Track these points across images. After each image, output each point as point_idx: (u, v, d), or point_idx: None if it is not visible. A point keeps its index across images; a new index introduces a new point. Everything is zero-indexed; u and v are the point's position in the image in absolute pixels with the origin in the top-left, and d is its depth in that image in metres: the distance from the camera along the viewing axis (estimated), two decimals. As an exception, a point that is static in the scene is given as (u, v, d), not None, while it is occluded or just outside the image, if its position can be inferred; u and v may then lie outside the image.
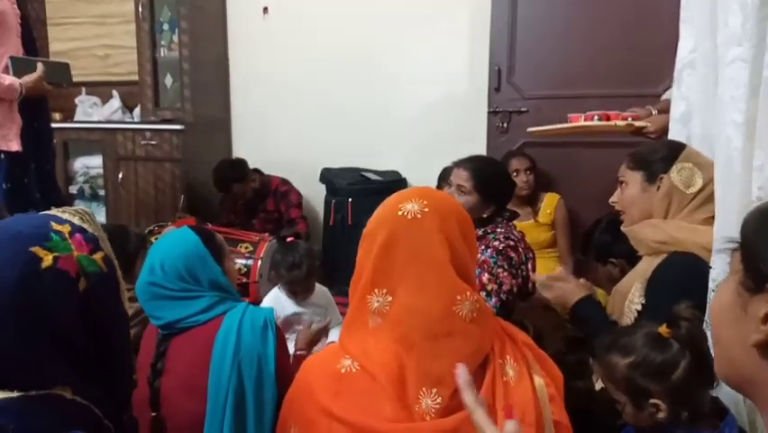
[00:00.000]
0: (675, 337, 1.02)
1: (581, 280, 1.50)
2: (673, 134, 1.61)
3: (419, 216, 0.94)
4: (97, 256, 0.77)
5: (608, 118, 1.93)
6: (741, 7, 1.08)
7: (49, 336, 0.71)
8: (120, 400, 0.84)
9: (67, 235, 0.75)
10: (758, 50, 1.04)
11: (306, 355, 1.58)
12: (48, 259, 0.71)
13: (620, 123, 1.90)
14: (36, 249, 0.71)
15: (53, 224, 0.76)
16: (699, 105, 1.50)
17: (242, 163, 3.27)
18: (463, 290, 0.93)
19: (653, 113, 2.04)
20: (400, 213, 0.95)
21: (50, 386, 0.71)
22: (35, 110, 2.27)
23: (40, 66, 2.16)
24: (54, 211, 0.80)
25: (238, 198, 3.24)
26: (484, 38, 3.14)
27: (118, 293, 0.82)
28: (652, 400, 1.01)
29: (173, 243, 1.38)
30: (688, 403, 1.00)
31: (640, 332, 1.07)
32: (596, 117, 1.94)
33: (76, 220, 0.79)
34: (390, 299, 0.94)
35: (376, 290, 0.95)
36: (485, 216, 1.82)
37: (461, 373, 0.83)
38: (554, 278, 1.49)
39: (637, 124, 1.89)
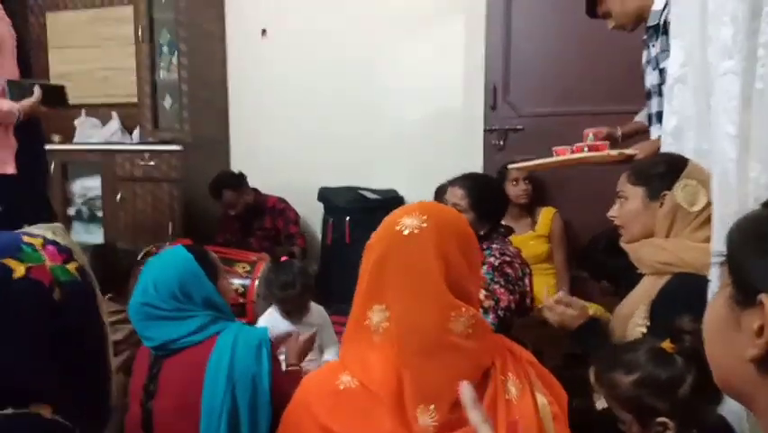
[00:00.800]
0: (679, 352, 0.99)
1: (593, 308, 1.46)
2: (665, 149, 1.59)
3: (416, 231, 0.94)
4: (71, 266, 0.77)
5: (597, 149, 1.92)
6: (732, 20, 1.08)
7: (25, 349, 0.71)
8: (100, 415, 0.83)
9: (39, 247, 0.76)
10: (749, 62, 1.04)
11: (298, 369, 1.56)
12: (20, 270, 0.71)
13: (613, 152, 1.89)
14: (7, 260, 0.71)
15: (25, 237, 0.76)
16: (691, 119, 1.49)
17: (240, 174, 3.28)
18: (457, 307, 0.91)
19: (618, 133, 2.08)
20: (397, 228, 0.95)
21: (27, 403, 0.70)
22: (29, 131, 2.27)
23: (37, 90, 2.16)
24: (25, 228, 0.81)
25: (229, 206, 3.20)
26: (480, 56, 3.16)
27: (95, 303, 0.81)
28: (659, 419, 0.97)
29: (166, 262, 1.38)
30: (695, 420, 0.97)
31: (643, 348, 1.04)
32: (585, 149, 1.93)
33: (48, 234, 0.79)
34: (388, 314, 0.93)
35: (375, 306, 0.94)
36: (481, 233, 1.81)
37: (466, 390, 0.81)
38: (559, 301, 1.45)
39: (628, 152, 1.88)
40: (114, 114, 3.72)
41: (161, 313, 1.32)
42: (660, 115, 2.05)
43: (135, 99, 3.52)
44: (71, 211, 3.62)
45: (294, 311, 1.96)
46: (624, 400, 1.02)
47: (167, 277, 1.33)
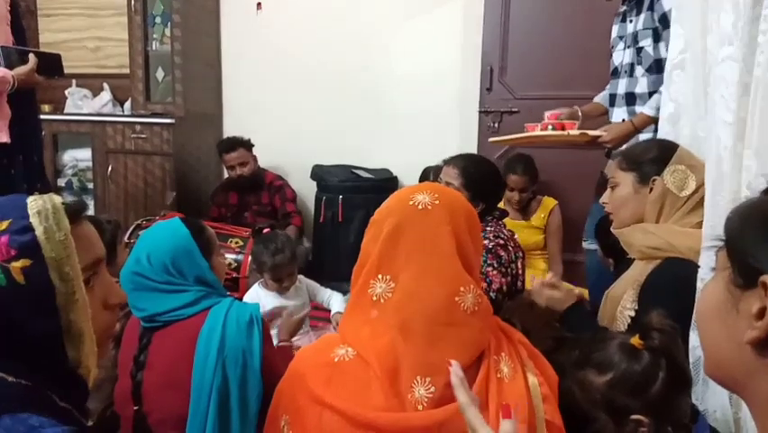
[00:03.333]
0: (648, 348, 0.99)
1: (577, 290, 1.48)
2: (662, 135, 1.60)
3: (429, 207, 0.96)
4: (17, 264, 0.68)
5: (563, 128, 1.90)
6: (733, 6, 1.08)
7: None
8: (70, 383, 0.75)
9: None
10: (749, 49, 1.03)
11: (289, 345, 1.56)
12: None
13: (573, 132, 1.87)
14: None
15: None
16: (687, 106, 1.49)
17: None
18: (467, 282, 0.94)
19: (579, 114, 2.05)
20: (411, 203, 0.97)
21: None
22: (23, 100, 2.23)
23: (32, 57, 2.11)
24: (27, 198, 0.73)
25: (240, 165, 3.19)
26: (477, 38, 3.14)
27: (46, 304, 0.70)
28: (633, 417, 0.97)
29: (162, 235, 1.36)
30: (670, 415, 0.97)
31: (612, 345, 1.03)
32: (550, 127, 1.91)
33: (30, 217, 0.71)
34: (393, 285, 0.94)
35: (380, 276, 0.95)
36: (473, 214, 1.81)
37: (455, 370, 0.82)
38: (546, 284, 1.47)
39: (591, 133, 1.86)
40: (106, 85, 3.67)
41: (152, 284, 1.31)
42: (628, 97, 2.01)
43: (127, 70, 3.46)
44: (61, 182, 3.59)
45: (285, 278, 1.97)
46: (597, 400, 1.00)
47: (160, 250, 1.32)
